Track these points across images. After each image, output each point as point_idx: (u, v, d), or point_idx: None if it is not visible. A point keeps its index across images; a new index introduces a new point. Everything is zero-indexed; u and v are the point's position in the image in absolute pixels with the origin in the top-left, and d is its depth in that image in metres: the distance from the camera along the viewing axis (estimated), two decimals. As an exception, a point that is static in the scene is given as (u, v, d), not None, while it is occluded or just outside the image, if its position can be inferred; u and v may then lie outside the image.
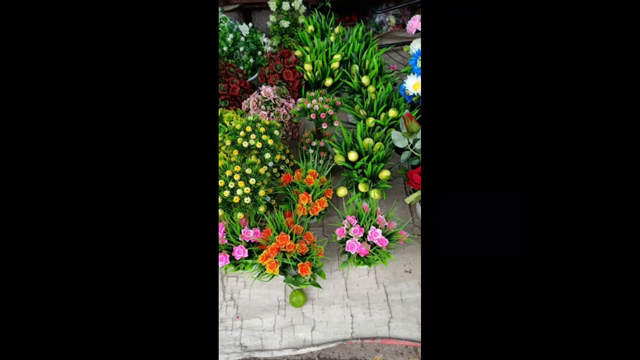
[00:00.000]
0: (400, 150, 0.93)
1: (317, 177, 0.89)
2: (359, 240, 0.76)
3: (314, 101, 0.99)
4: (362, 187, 0.89)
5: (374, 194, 0.88)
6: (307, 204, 0.86)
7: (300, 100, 1.01)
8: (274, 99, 1.04)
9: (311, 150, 1.04)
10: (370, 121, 1.00)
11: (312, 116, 0.99)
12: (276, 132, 0.89)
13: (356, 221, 0.79)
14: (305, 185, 0.88)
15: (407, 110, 0.91)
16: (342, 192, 0.93)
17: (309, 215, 0.87)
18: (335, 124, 1.02)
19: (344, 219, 0.80)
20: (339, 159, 0.92)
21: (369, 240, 0.76)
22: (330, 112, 0.99)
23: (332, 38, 1.27)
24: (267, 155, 0.87)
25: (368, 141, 0.91)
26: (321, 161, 0.95)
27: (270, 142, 0.87)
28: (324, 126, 1.00)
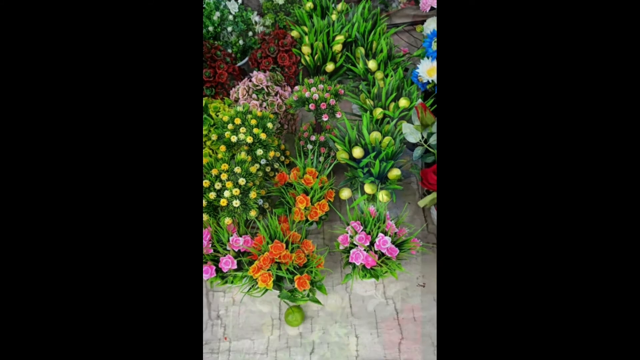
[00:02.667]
0: (412, 146, 0.93)
1: (317, 177, 0.89)
2: (364, 250, 0.76)
3: (313, 89, 0.99)
4: (368, 189, 0.89)
5: (382, 196, 0.88)
6: (306, 208, 0.86)
7: (297, 88, 1.01)
8: (267, 86, 1.04)
9: (310, 146, 1.04)
10: (378, 112, 1.00)
11: (311, 106, 0.99)
12: (269, 125, 0.89)
13: (362, 227, 0.79)
14: (303, 186, 0.88)
15: (420, 100, 0.91)
16: (345, 194, 0.92)
17: (307, 220, 0.87)
18: (338, 115, 1.02)
19: (348, 225, 0.80)
20: (342, 156, 0.92)
21: (376, 249, 0.76)
22: (332, 101, 0.99)
23: (333, 16, 1.26)
24: (259, 152, 0.88)
25: (375, 135, 0.91)
26: (321, 158, 0.95)
27: (263, 136, 0.87)
28: (325, 118, 1.00)
